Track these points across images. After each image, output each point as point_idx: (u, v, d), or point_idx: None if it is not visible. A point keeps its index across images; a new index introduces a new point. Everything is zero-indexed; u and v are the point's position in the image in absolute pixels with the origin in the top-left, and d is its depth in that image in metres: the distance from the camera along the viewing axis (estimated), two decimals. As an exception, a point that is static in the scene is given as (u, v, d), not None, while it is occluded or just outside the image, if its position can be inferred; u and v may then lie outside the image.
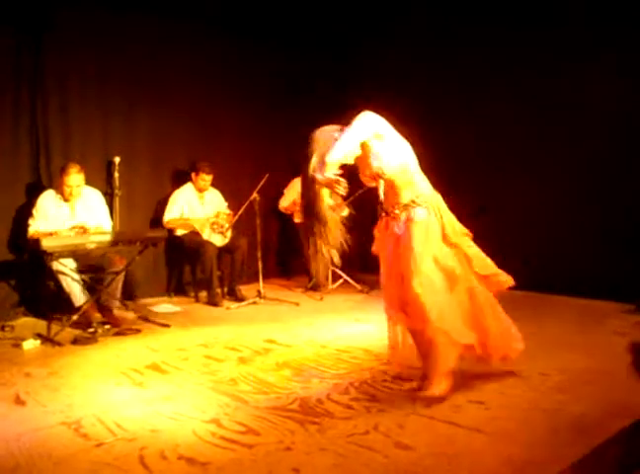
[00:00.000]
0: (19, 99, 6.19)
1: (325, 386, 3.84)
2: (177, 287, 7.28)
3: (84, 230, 5.72)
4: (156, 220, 7.03)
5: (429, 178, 3.87)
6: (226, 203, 7.15)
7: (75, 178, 5.82)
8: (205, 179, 6.92)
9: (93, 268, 5.77)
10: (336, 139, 3.58)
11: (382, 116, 3.67)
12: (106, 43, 6.58)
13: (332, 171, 3.56)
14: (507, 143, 6.77)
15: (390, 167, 3.68)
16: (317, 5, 7.54)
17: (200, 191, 7.01)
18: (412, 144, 3.81)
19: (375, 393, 3.70)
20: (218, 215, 6.94)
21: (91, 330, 5.37)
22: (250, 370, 4.22)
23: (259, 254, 6.70)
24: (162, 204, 7.03)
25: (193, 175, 6.97)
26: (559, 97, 6.31)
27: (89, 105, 6.62)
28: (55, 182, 6.08)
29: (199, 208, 6.97)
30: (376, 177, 3.74)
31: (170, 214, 6.87)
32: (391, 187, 3.73)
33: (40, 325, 5.66)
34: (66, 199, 5.89)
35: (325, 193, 3.72)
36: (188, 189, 7.01)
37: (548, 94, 6.38)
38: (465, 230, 3.94)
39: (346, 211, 7.58)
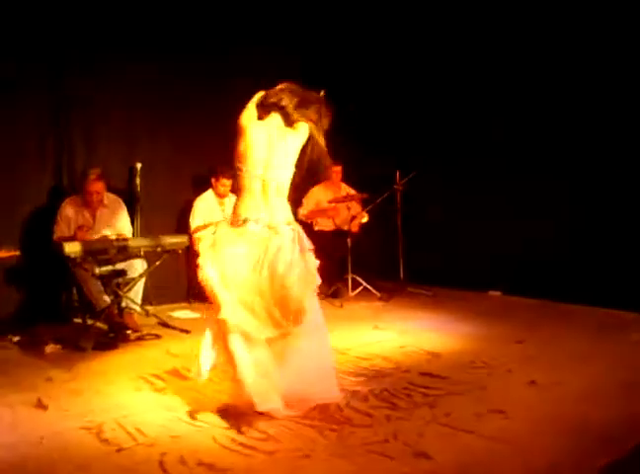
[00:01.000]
0: (43, 104, 6.27)
1: (344, 394, 3.82)
2: (196, 294, 7.29)
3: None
4: (178, 226, 7.06)
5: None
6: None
7: (95, 184, 5.87)
8: (226, 184, 6.93)
9: (114, 273, 5.81)
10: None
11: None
12: (128, 51, 6.64)
13: None
14: (519, 148, 6.80)
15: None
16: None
17: (221, 197, 7.04)
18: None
19: (395, 401, 3.68)
20: None
21: (112, 335, 5.41)
22: (269, 377, 4.22)
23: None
24: (184, 210, 7.06)
25: (213, 180, 6.99)
26: (559, 95, 6.43)
27: (112, 111, 6.69)
28: (77, 187, 6.13)
29: (219, 215, 6.98)
30: None
31: (196, 222, 6.89)
32: None
33: (62, 329, 5.72)
34: (87, 206, 5.95)
35: None
36: (208, 195, 7.03)
37: (549, 92, 6.49)
38: None
39: (365, 218, 7.61)
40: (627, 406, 3.51)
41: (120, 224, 6.14)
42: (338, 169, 7.69)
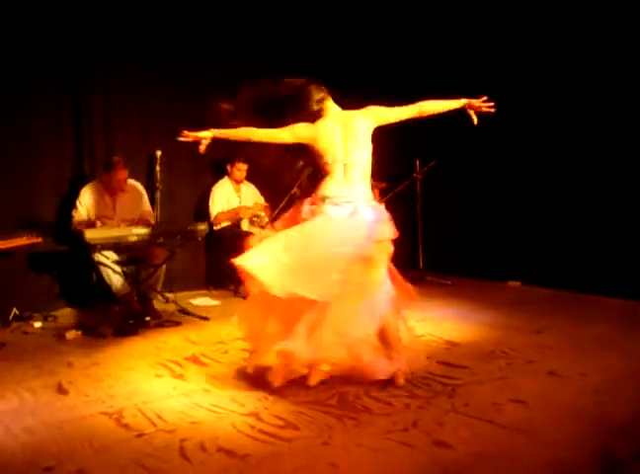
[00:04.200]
0: (63, 92, 6.29)
1: (364, 382, 3.81)
2: (216, 281, 7.32)
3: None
4: (197, 213, 7.08)
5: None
6: (262, 198, 7.17)
7: (122, 172, 5.92)
8: (241, 168, 6.95)
9: (134, 260, 5.84)
10: None
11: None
12: (147, 40, 6.65)
13: None
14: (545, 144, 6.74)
15: None
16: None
17: (237, 182, 7.04)
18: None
19: (414, 390, 3.68)
20: (255, 206, 6.97)
21: (131, 321, 5.43)
22: (288, 365, 4.22)
23: (298, 248, 6.67)
24: (204, 198, 7.07)
25: (228, 167, 7.00)
26: (572, 89, 6.44)
27: (131, 98, 6.72)
28: (98, 174, 6.16)
29: (236, 202, 7.00)
30: None
31: (216, 209, 6.90)
32: None
33: (83, 316, 5.77)
34: (109, 192, 5.97)
35: None
36: (225, 182, 7.05)
37: (564, 85, 6.48)
38: None
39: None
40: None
41: (143, 209, 6.18)
42: None
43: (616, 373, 3.92)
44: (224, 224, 6.89)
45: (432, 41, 7.62)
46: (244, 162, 6.89)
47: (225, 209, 6.92)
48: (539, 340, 4.74)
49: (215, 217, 6.85)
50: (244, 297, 4.43)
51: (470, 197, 7.47)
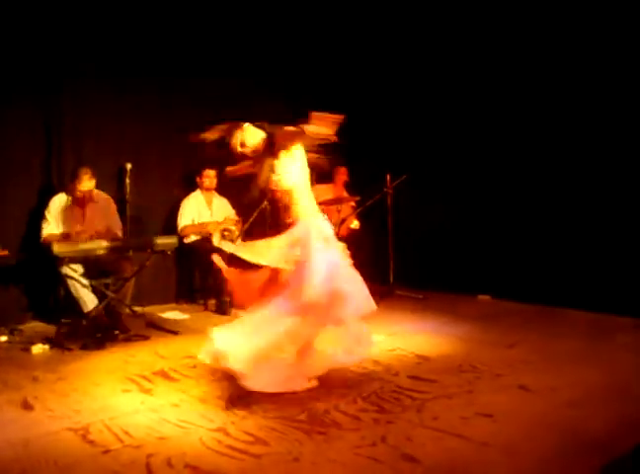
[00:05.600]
0: (34, 104, 6.25)
1: (333, 397, 3.82)
2: (186, 295, 7.27)
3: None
4: (167, 227, 7.04)
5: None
6: (234, 211, 7.15)
7: (87, 183, 5.85)
8: (210, 175, 6.95)
9: (102, 273, 5.78)
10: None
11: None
12: (118, 55, 6.65)
13: None
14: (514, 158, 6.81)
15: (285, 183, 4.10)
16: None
17: (208, 190, 7.03)
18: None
19: (383, 404, 3.68)
20: (225, 221, 6.94)
21: (99, 335, 5.37)
22: (258, 379, 4.19)
23: (269, 262, 6.65)
24: (173, 211, 7.03)
25: (197, 179, 7.02)
26: (549, 98, 6.50)
27: (102, 110, 6.67)
28: (67, 186, 6.10)
29: (207, 215, 6.98)
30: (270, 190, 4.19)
31: (184, 221, 6.89)
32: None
33: (49, 329, 5.69)
34: (78, 204, 5.92)
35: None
36: (197, 195, 7.04)
37: (540, 95, 6.54)
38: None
39: (355, 223, 7.59)
40: (616, 410, 3.51)
41: (111, 222, 6.12)
42: (342, 171, 7.68)
43: (587, 387, 3.93)
44: (194, 238, 6.86)
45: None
46: (212, 168, 6.86)
47: (195, 222, 6.90)
48: (509, 353, 4.76)
49: (182, 229, 6.82)
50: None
51: (440, 211, 7.49)
